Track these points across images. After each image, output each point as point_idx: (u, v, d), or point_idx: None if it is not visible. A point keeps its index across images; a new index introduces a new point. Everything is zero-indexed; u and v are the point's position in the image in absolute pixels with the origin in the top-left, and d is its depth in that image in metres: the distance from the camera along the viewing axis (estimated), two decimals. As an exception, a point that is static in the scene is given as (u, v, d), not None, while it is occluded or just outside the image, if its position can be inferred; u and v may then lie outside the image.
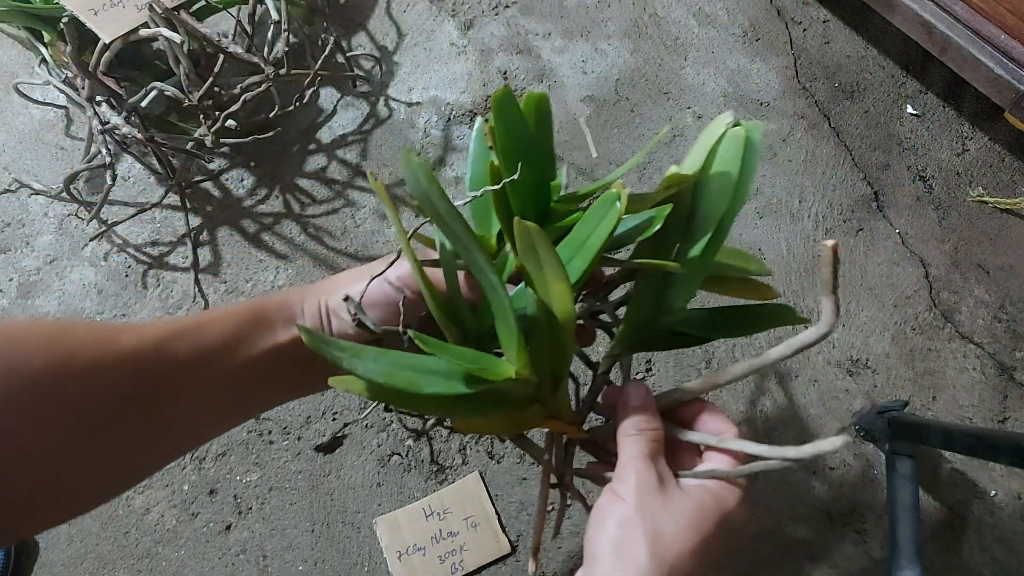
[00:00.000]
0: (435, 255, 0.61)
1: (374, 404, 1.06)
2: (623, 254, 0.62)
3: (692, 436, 0.57)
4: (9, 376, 0.47)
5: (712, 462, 0.55)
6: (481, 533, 1.00)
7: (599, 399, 0.63)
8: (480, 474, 1.03)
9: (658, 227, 0.57)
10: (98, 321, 0.75)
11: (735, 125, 0.58)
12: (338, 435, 1.01)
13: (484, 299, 0.59)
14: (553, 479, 0.63)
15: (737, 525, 0.53)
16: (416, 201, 0.56)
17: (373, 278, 0.61)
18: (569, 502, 0.61)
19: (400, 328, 0.58)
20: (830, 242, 0.46)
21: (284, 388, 0.66)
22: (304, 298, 0.65)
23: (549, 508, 0.62)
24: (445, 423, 0.77)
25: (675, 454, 0.57)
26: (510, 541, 1.01)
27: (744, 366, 0.55)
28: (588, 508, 0.56)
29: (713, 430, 0.57)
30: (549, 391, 0.59)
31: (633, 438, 0.56)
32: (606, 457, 0.59)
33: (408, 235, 0.57)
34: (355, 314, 0.60)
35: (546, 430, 0.63)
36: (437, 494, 1.01)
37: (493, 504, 1.02)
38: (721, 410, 0.56)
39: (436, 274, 0.60)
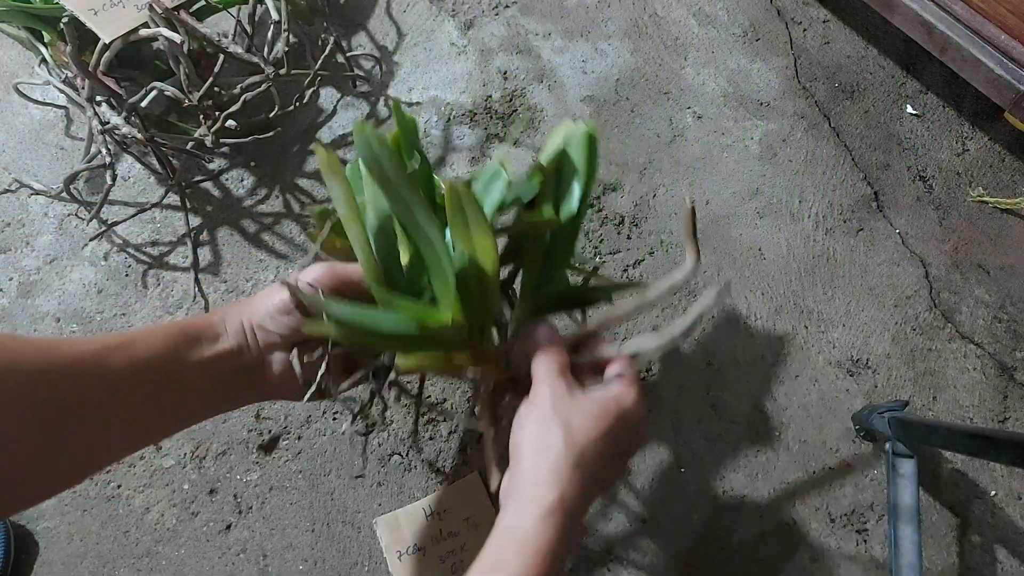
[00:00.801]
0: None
1: (375, 403, 1.06)
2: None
3: (588, 356, 0.72)
4: None
5: (610, 373, 0.70)
6: (482, 533, 1.00)
7: (514, 349, 0.75)
8: (480, 474, 1.03)
9: (537, 190, 0.74)
10: (35, 336, 0.80)
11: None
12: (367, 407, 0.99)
13: (415, 261, 0.72)
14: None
15: (634, 420, 0.67)
16: (367, 166, 0.67)
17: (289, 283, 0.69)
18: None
19: (323, 315, 0.66)
20: (689, 201, 0.65)
21: (215, 399, 0.73)
22: (226, 317, 0.73)
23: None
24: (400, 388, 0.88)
25: (580, 377, 0.70)
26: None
27: (630, 303, 0.72)
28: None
29: (607, 353, 0.72)
30: (479, 336, 0.71)
31: (543, 361, 0.68)
32: (524, 393, 0.70)
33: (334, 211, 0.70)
34: (295, 300, 0.69)
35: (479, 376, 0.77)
36: (437, 494, 1.01)
37: (494, 504, 1.02)
38: (611, 341, 0.75)
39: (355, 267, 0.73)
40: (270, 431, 1.04)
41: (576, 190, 0.77)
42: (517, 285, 0.81)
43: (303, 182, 1.20)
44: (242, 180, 1.20)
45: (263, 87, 1.09)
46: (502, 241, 0.75)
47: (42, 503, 1.00)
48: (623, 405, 0.66)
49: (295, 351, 0.73)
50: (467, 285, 0.68)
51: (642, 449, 1.05)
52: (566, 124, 0.79)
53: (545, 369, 0.68)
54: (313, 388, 0.74)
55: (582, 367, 0.72)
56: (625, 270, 1.16)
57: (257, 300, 0.74)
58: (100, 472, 0.69)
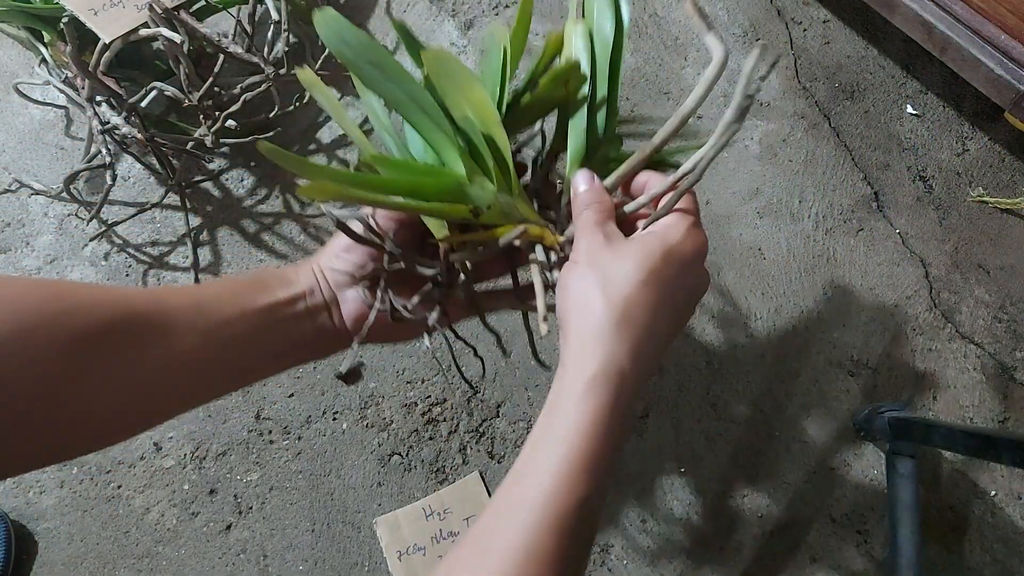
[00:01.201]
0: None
1: (375, 403, 1.06)
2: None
3: (638, 200, 0.62)
4: (2, 305, 0.49)
5: (659, 209, 0.60)
6: None
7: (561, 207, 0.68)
8: (480, 474, 1.03)
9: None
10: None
11: None
12: (359, 363, 0.97)
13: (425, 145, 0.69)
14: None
15: (687, 256, 0.58)
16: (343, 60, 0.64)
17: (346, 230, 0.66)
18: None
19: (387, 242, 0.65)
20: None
21: (275, 351, 0.68)
22: (298, 267, 0.69)
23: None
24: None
25: (634, 224, 0.62)
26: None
27: (671, 122, 0.61)
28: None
29: (655, 186, 0.62)
30: (504, 184, 0.65)
31: (583, 213, 0.61)
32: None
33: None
34: (350, 232, 0.66)
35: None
36: (437, 494, 1.01)
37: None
38: (662, 174, 0.63)
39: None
40: (271, 431, 1.05)
41: (607, 23, 0.71)
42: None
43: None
44: (242, 180, 1.20)
45: (263, 87, 1.09)
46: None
47: (43, 504, 1.00)
48: (669, 241, 0.57)
49: (362, 286, 0.70)
50: (474, 144, 0.65)
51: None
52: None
53: (584, 221, 0.61)
54: (381, 310, 0.70)
55: (633, 213, 0.64)
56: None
57: (325, 247, 0.72)
58: (144, 428, 0.62)
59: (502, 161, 0.66)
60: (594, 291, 0.56)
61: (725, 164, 1.24)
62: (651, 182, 0.64)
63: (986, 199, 1.22)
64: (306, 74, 0.70)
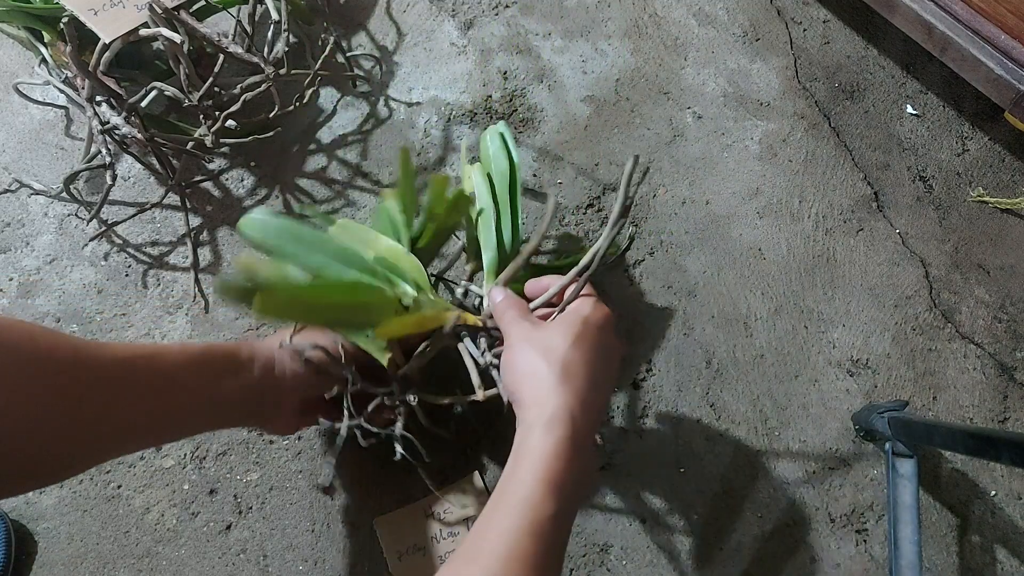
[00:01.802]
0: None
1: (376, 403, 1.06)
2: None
3: (542, 297, 0.82)
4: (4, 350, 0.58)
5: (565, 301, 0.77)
6: None
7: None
8: (480, 474, 1.03)
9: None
10: (72, 335, 0.86)
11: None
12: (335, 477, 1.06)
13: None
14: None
15: (600, 322, 0.74)
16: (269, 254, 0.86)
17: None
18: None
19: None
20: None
21: (224, 418, 0.84)
22: (254, 350, 0.85)
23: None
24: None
25: (543, 319, 0.78)
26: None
27: (537, 234, 0.81)
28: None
29: (554, 287, 0.80)
30: (421, 291, 0.86)
31: (506, 314, 0.78)
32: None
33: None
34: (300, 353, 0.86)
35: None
36: (437, 494, 1.01)
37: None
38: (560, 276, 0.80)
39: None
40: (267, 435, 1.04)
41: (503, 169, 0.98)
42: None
43: (303, 182, 1.20)
44: (242, 180, 1.20)
45: (263, 87, 1.09)
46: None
47: (43, 504, 1.00)
48: (583, 313, 0.74)
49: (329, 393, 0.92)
50: (396, 276, 0.87)
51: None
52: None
53: (508, 319, 0.76)
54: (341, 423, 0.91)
55: (542, 314, 0.81)
56: (625, 270, 1.16)
57: (278, 341, 0.88)
58: (102, 463, 0.80)
59: (418, 276, 0.86)
60: (536, 360, 0.70)
61: (725, 164, 1.24)
62: (551, 283, 0.82)
63: (986, 199, 1.22)
64: (244, 260, 0.87)
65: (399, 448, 0.91)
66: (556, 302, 0.80)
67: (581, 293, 0.76)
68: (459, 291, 1.01)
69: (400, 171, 0.92)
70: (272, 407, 0.86)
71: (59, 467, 0.67)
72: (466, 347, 0.88)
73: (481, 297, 0.94)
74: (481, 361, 0.86)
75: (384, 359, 0.86)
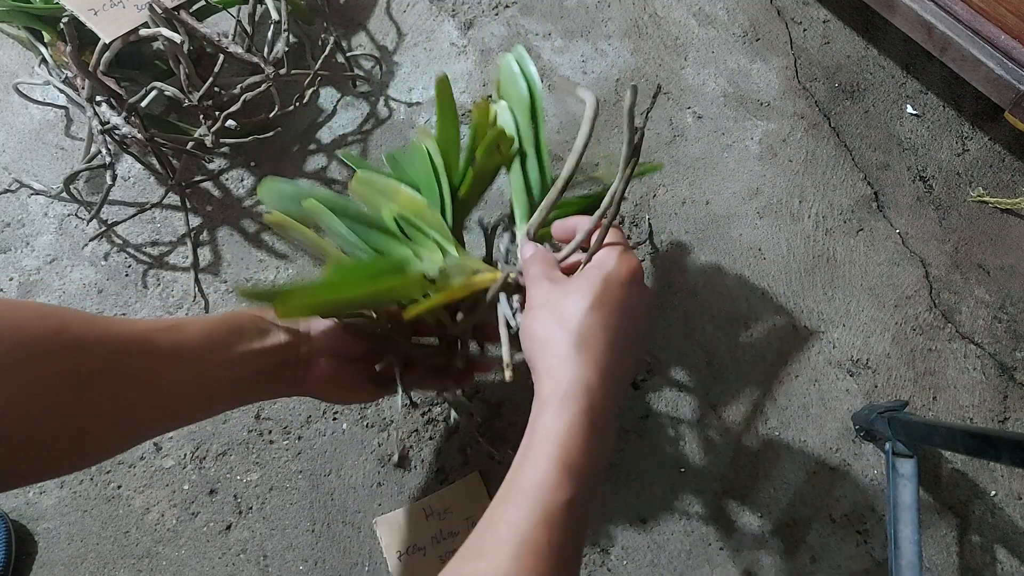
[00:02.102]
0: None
1: (375, 404, 1.06)
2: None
3: (568, 247, 0.73)
4: (2, 338, 0.54)
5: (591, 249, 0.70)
6: None
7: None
8: (480, 474, 1.03)
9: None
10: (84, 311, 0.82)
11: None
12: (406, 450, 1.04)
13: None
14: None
15: (625, 278, 0.66)
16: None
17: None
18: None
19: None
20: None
21: (240, 394, 0.79)
22: (278, 320, 0.79)
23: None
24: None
25: (574, 268, 0.71)
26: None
27: (569, 163, 0.72)
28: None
29: (582, 229, 0.72)
30: (448, 251, 0.80)
31: (530, 270, 0.71)
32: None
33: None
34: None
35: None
36: (438, 494, 1.01)
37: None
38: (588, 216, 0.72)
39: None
40: (271, 431, 1.05)
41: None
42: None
43: (303, 182, 1.20)
44: (242, 180, 1.20)
45: (263, 87, 1.09)
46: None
47: (43, 504, 1.00)
48: (606, 269, 0.66)
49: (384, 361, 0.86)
50: (417, 235, 0.81)
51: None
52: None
53: (532, 275, 0.70)
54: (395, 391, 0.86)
55: (570, 264, 0.74)
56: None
57: (322, 321, 0.84)
58: (126, 449, 0.74)
59: (441, 233, 0.79)
60: (552, 327, 0.63)
61: (725, 164, 1.24)
62: (579, 224, 0.74)
63: (986, 199, 1.22)
64: (275, 217, 0.84)
65: (454, 413, 0.92)
66: (586, 247, 0.72)
67: (607, 242, 0.69)
68: (505, 241, 0.88)
69: (437, 104, 0.86)
70: (303, 367, 0.81)
71: (77, 457, 0.63)
72: (501, 311, 0.79)
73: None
74: (513, 324, 0.77)
75: (430, 315, 0.79)
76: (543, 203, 0.76)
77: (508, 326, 0.77)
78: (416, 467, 1.03)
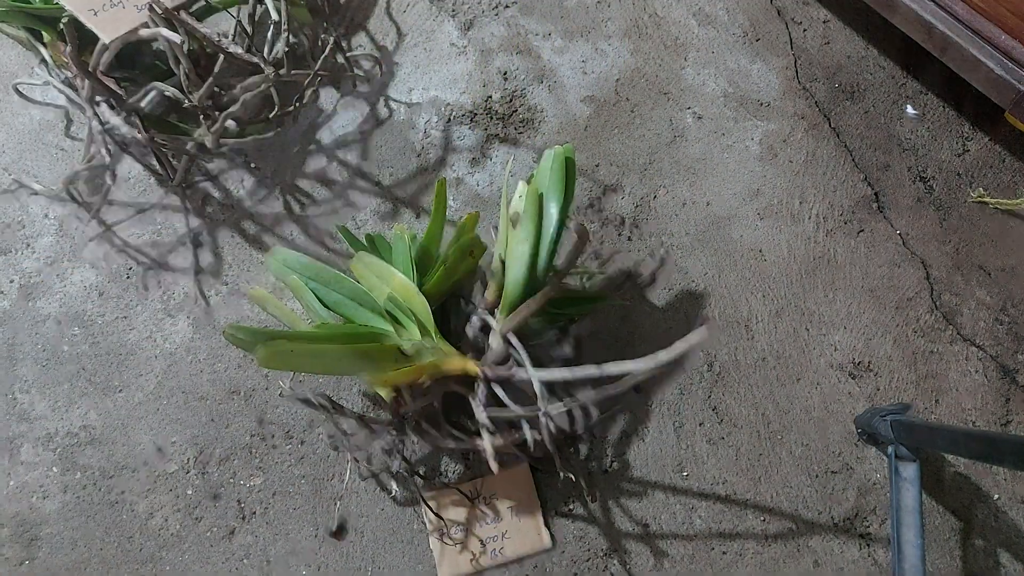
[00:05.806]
0: None
1: (377, 406, 1.05)
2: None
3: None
4: None
5: None
6: (524, 524, 1.01)
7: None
8: (531, 466, 1.03)
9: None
10: None
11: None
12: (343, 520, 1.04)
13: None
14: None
15: None
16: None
17: None
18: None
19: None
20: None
21: None
22: None
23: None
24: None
25: None
26: (552, 537, 1.01)
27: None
28: None
29: None
30: (427, 334, 0.88)
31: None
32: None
33: None
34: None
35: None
36: (485, 479, 1.01)
37: (541, 497, 1.02)
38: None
39: None
40: (273, 435, 1.04)
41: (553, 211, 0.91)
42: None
43: (303, 183, 1.19)
44: (242, 181, 1.19)
45: (263, 87, 1.08)
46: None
47: (46, 509, 0.99)
48: None
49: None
50: (403, 316, 0.90)
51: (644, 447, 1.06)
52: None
53: None
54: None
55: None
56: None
57: None
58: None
59: (424, 318, 0.88)
60: None
61: (725, 165, 1.24)
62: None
63: (986, 200, 1.22)
64: (256, 292, 0.96)
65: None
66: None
67: None
68: (475, 322, 0.97)
69: (434, 204, 0.95)
70: None
71: None
72: (475, 398, 0.90)
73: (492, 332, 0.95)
74: (478, 415, 0.87)
75: (387, 396, 0.90)
76: (522, 309, 0.86)
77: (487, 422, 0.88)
78: (416, 467, 1.03)
